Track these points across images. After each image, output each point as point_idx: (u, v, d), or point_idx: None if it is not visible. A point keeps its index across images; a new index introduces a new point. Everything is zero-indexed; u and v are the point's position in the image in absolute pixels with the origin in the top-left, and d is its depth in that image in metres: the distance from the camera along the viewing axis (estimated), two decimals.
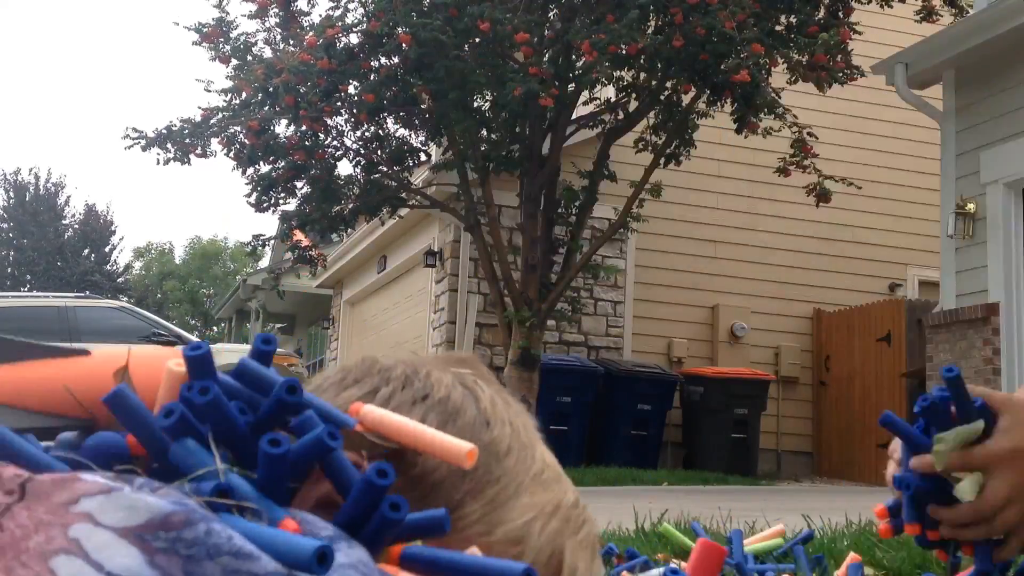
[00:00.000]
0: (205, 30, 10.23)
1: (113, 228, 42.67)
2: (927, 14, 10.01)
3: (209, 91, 10.45)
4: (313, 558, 0.48)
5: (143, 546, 0.41)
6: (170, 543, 0.41)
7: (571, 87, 10.13)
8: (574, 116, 10.60)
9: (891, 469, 1.22)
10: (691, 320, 12.51)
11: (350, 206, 10.78)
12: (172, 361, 0.62)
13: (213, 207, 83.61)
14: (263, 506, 0.51)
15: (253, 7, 10.31)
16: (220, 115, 10.19)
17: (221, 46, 10.33)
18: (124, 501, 0.44)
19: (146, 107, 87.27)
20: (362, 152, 10.88)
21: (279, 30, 10.54)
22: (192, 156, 10.24)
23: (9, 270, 41.15)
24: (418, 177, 11.98)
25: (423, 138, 11.16)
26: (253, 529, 0.47)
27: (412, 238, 14.08)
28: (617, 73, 9.64)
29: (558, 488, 0.84)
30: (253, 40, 10.51)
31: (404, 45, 9.28)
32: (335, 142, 10.67)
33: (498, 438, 0.82)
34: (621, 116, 10.60)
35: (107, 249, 42.39)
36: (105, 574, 0.40)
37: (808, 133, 10.08)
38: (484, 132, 10.40)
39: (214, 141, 10.27)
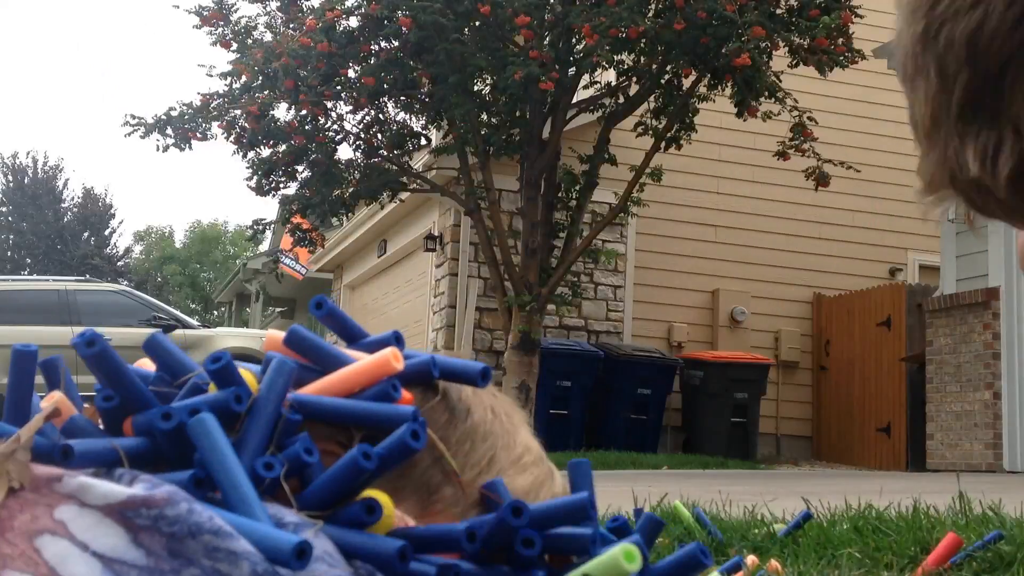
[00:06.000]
0: (205, 13, 10.21)
1: (112, 211, 42.66)
2: None
3: (211, 76, 10.45)
4: (292, 553, 0.49)
5: (127, 524, 0.41)
6: (152, 520, 0.41)
7: (572, 71, 10.10)
8: (574, 100, 10.57)
9: None
10: (691, 304, 12.51)
11: (350, 190, 10.78)
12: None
13: (213, 190, 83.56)
14: (250, 494, 0.52)
15: None
16: (220, 100, 10.19)
17: (222, 29, 10.31)
18: (105, 487, 0.45)
19: (144, 90, 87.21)
20: (362, 136, 10.87)
21: (280, 14, 10.53)
22: (192, 140, 10.24)
23: (9, 253, 41.16)
24: (418, 161, 11.97)
25: (423, 122, 11.14)
26: (234, 520, 0.48)
27: (412, 222, 14.07)
28: (618, 57, 9.61)
29: (537, 470, 0.88)
30: (254, 24, 10.49)
31: (404, 28, 9.26)
32: (335, 126, 10.66)
33: (478, 423, 0.85)
34: (622, 100, 10.57)
35: (107, 233, 42.39)
36: (91, 554, 0.40)
37: (808, 117, 10.06)
38: (484, 116, 10.38)
39: (214, 125, 10.27)
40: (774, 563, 1.97)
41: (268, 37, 10.41)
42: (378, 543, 0.60)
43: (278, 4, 10.52)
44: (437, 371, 0.83)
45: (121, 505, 0.42)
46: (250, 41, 10.34)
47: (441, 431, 0.81)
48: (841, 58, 9.46)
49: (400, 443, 0.68)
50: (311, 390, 0.74)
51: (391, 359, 0.77)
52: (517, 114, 10.15)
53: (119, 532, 0.41)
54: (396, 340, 0.84)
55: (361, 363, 0.77)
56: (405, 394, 0.77)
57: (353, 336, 0.86)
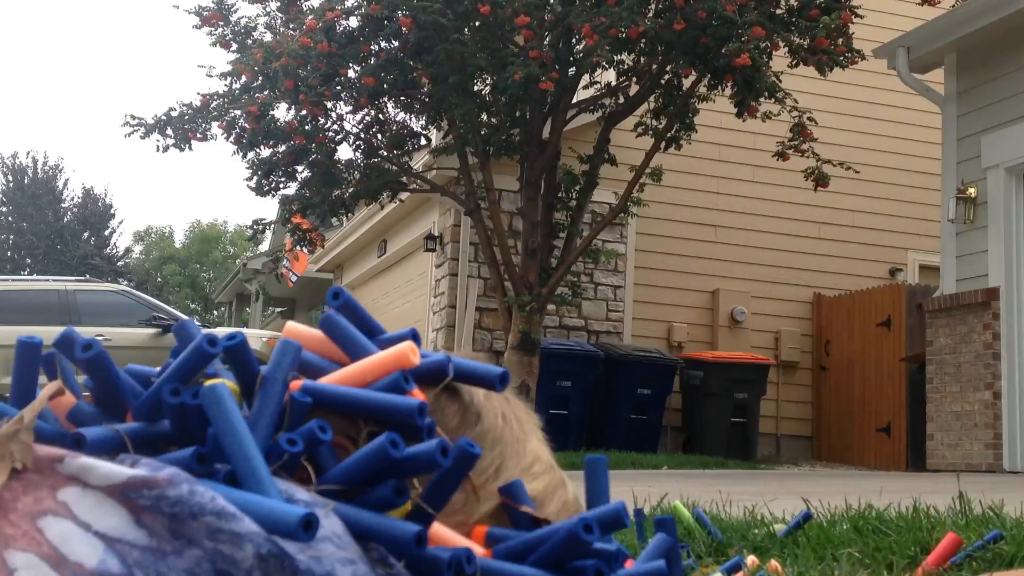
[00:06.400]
0: (205, 13, 10.22)
1: (112, 211, 42.65)
2: None
3: (211, 76, 10.45)
4: (299, 525, 0.49)
5: (129, 504, 0.41)
6: (154, 501, 0.41)
7: (572, 71, 10.10)
8: (574, 100, 10.57)
9: None
10: (691, 304, 12.51)
11: (350, 190, 10.78)
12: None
13: (213, 190, 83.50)
14: (261, 467, 0.52)
15: None
16: (220, 100, 10.19)
17: (221, 29, 10.31)
18: (107, 468, 0.45)
19: (143, 90, 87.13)
20: (362, 136, 10.87)
21: (280, 14, 10.53)
22: (192, 141, 10.24)
23: (9, 253, 41.13)
24: (418, 161, 11.96)
25: (423, 122, 11.14)
26: (240, 496, 0.48)
27: (412, 222, 14.07)
28: (618, 57, 9.61)
29: (548, 477, 0.87)
30: (253, 24, 10.50)
31: (404, 28, 9.26)
32: (335, 126, 10.66)
33: (488, 428, 0.84)
34: (622, 100, 10.57)
35: (107, 233, 42.37)
36: (93, 533, 0.40)
37: (808, 117, 10.06)
38: (484, 116, 10.38)
39: (214, 125, 10.27)
40: (774, 563, 1.97)
41: (268, 37, 10.42)
42: (395, 525, 0.60)
43: (278, 4, 10.52)
44: (452, 372, 0.82)
45: (123, 486, 0.42)
46: (250, 41, 10.34)
47: (451, 435, 0.81)
48: (841, 58, 9.46)
49: (429, 456, 0.68)
50: (327, 380, 0.74)
51: (408, 353, 0.76)
52: (517, 114, 10.15)
53: (121, 512, 0.41)
54: (412, 338, 0.84)
55: (377, 356, 0.77)
56: (418, 394, 0.76)
57: (368, 329, 0.85)
